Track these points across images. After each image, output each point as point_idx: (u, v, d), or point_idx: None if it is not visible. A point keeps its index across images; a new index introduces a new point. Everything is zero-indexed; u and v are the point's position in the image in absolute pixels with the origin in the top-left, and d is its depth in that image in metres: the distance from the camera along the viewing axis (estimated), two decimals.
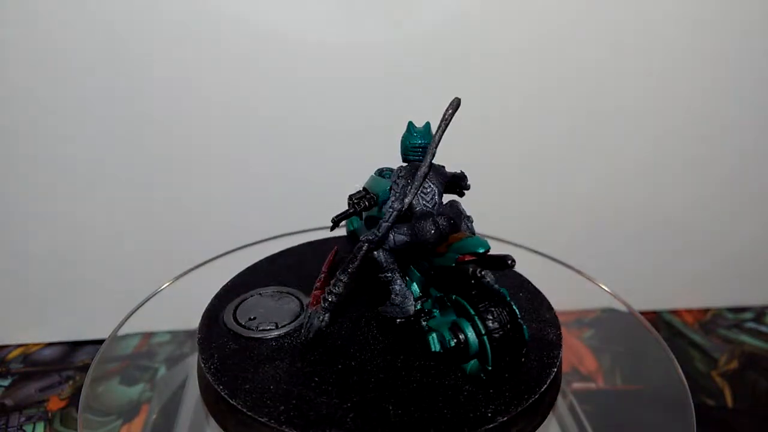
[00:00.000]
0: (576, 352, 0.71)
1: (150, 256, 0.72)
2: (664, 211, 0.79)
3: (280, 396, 0.38)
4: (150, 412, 0.60)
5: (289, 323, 0.45)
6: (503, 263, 0.35)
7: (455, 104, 0.38)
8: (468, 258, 0.37)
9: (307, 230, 0.64)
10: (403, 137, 0.43)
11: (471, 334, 0.38)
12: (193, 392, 0.58)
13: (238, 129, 0.69)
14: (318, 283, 0.45)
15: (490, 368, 0.37)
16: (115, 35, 0.62)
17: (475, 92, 0.69)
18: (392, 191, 0.40)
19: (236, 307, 0.47)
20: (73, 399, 0.65)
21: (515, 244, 0.67)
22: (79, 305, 0.73)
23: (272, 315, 0.46)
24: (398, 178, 0.40)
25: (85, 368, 0.70)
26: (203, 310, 0.48)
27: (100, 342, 0.54)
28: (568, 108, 0.72)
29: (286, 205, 0.72)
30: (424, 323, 0.41)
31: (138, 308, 0.56)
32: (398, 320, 0.42)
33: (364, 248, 0.39)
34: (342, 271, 0.40)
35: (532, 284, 0.53)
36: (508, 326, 0.37)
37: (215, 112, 0.67)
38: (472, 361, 0.39)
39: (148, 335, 0.72)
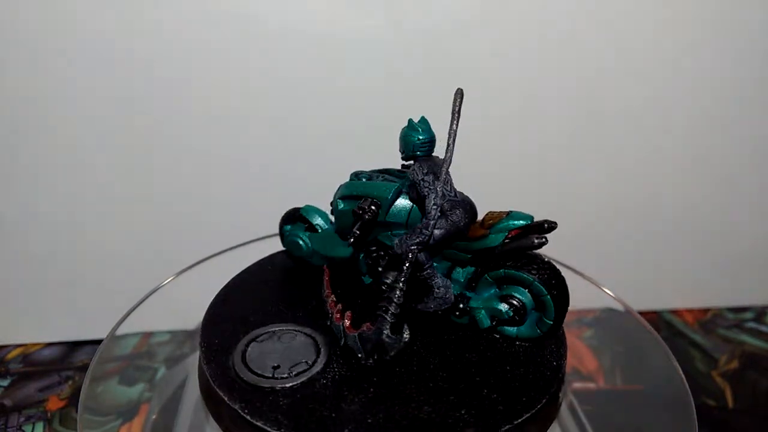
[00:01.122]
0: (576, 352, 0.71)
1: (150, 255, 0.72)
2: (664, 211, 0.79)
3: (389, 425, 0.37)
4: (150, 412, 0.60)
5: (317, 357, 0.42)
6: (547, 228, 0.41)
7: (461, 94, 0.40)
8: (516, 232, 0.41)
9: None
10: (407, 136, 0.42)
11: (527, 298, 0.42)
12: (193, 392, 0.58)
13: (237, 127, 0.69)
14: (339, 305, 0.43)
15: (551, 322, 0.42)
16: (114, 35, 0.62)
17: (475, 92, 0.69)
18: (427, 189, 0.41)
19: (244, 364, 0.41)
20: (73, 399, 0.65)
21: None
22: (78, 305, 0.73)
23: (294, 356, 0.42)
24: (425, 176, 0.41)
25: (84, 368, 0.70)
26: (198, 369, 0.43)
27: (99, 342, 0.53)
28: (568, 108, 0.72)
29: (284, 203, 0.72)
30: (461, 306, 0.44)
31: (137, 306, 0.56)
32: (440, 311, 0.44)
33: (414, 251, 0.40)
34: (396, 280, 0.40)
35: None
36: (561, 282, 0.42)
37: (214, 109, 0.67)
38: (525, 324, 0.43)
39: (148, 335, 0.72)
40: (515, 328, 0.43)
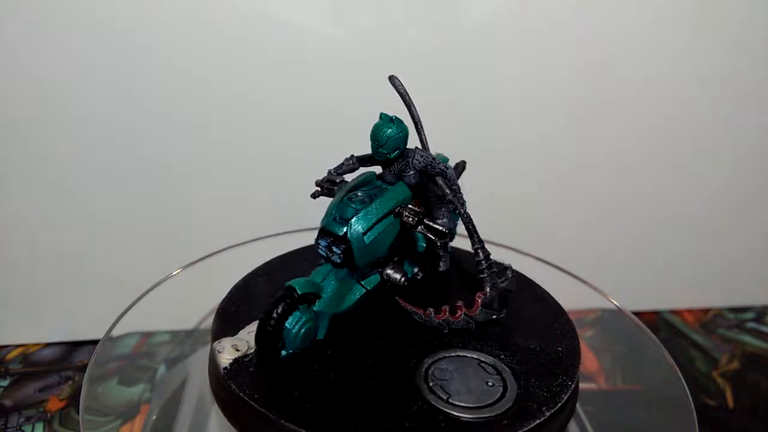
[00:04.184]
0: None
1: (151, 256, 0.72)
2: (664, 211, 0.79)
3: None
4: (150, 413, 0.60)
5: (483, 355, 0.42)
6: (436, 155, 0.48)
7: (393, 79, 0.45)
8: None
9: (309, 228, 0.64)
10: (402, 132, 0.43)
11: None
12: (193, 392, 0.58)
13: (237, 126, 0.69)
14: (444, 308, 0.44)
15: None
16: (114, 33, 0.62)
17: (474, 91, 0.69)
18: (441, 165, 0.45)
19: (462, 407, 0.37)
20: (72, 399, 0.65)
21: (514, 249, 0.66)
22: (78, 305, 0.73)
23: (474, 370, 0.41)
24: (429, 156, 0.44)
25: (84, 368, 0.70)
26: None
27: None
28: (568, 108, 0.72)
29: (285, 203, 0.72)
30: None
31: (134, 303, 0.56)
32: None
33: (469, 218, 0.44)
34: (477, 243, 0.44)
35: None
36: None
37: (216, 105, 0.67)
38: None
39: (147, 335, 0.72)
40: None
